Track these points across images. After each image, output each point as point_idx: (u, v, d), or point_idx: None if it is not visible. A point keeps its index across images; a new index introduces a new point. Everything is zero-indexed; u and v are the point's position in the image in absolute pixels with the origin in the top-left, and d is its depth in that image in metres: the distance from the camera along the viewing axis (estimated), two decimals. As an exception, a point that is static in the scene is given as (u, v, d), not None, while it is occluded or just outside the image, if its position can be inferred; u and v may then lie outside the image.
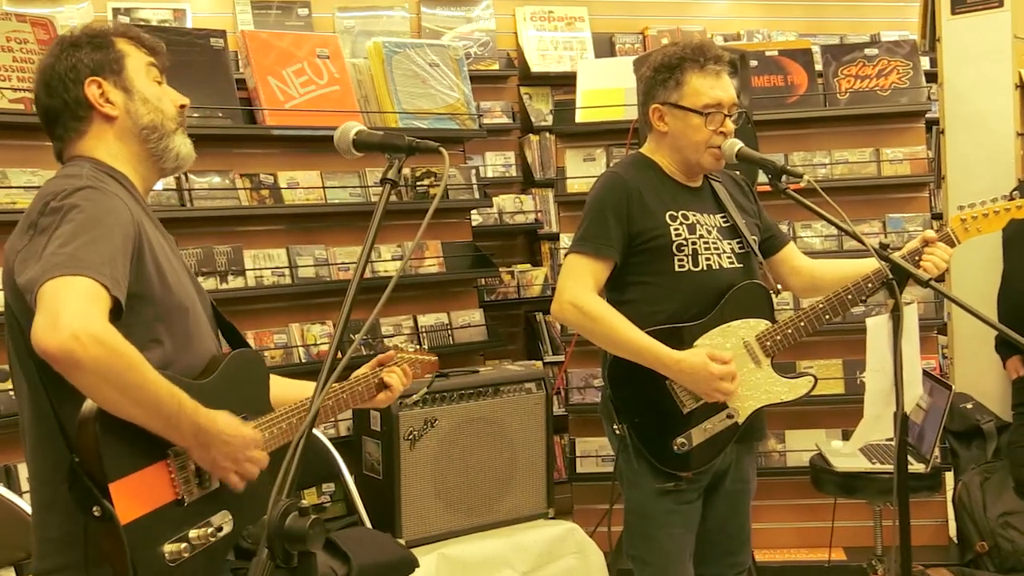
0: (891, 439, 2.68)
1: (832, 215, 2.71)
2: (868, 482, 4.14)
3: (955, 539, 4.63)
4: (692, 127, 2.94)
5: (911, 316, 2.64)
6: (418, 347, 2.90)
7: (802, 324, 2.94)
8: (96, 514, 1.91)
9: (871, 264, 2.87)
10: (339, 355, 1.76)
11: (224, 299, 4.26)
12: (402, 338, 4.75)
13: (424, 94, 4.92)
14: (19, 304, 2.02)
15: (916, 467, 4.04)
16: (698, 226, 2.96)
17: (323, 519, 1.63)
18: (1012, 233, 4.16)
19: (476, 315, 5.08)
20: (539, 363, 5.82)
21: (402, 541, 4.04)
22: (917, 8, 5.97)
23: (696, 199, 3.03)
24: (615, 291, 3.02)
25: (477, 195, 5.20)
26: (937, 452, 4.20)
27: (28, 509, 3.00)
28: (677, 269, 2.93)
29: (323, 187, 4.65)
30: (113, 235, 1.97)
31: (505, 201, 6.38)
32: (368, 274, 4.69)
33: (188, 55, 4.40)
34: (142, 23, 5.76)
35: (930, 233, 2.97)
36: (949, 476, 4.66)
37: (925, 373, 3.97)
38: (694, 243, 2.94)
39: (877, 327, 2.66)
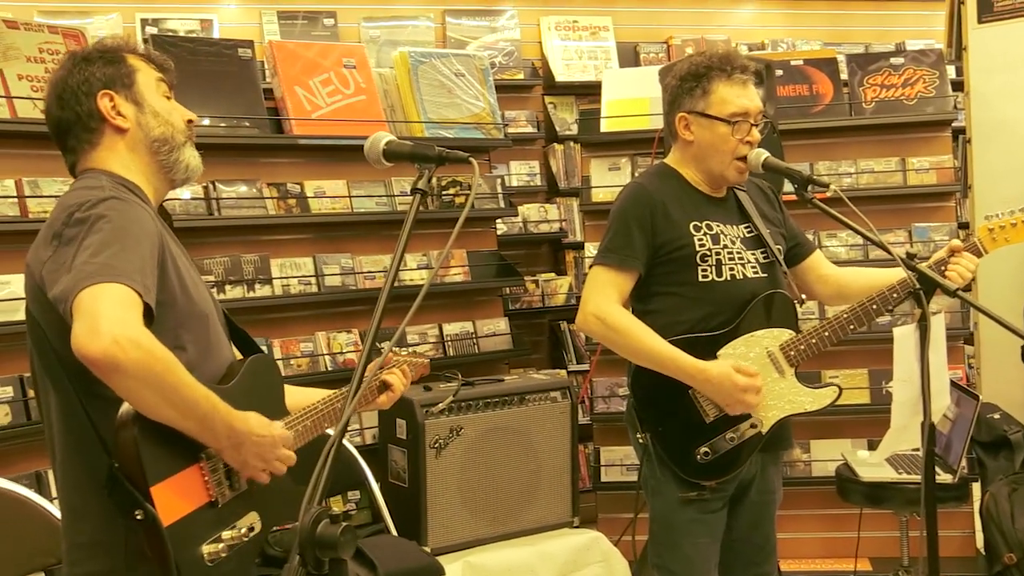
0: (918, 449, 2.68)
1: (858, 224, 2.70)
2: (895, 492, 4.12)
3: (982, 550, 4.60)
4: (719, 136, 2.94)
5: (938, 326, 2.63)
6: (411, 352, 2.94)
7: (826, 334, 2.93)
8: (139, 518, 1.94)
9: (898, 273, 2.85)
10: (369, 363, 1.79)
11: (251, 308, 4.30)
12: (427, 347, 4.76)
13: (450, 104, 4.94)
14: (46, 315, 2.05)
15: (943, 477, 4.02)
16: (722, 236, 2.97)
17: (353, 526, 1.65)
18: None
19: (501, 324, 5.09)
20: (563, 372, 5.84)
21: (428, 549, 4.04)
22: (943, 17, 5.94)
23: (720, 209, 3.04)
24: (640, 302, 3.03)
25: (502, 204, 5.21)
26: (964, 462, 4.18)
27: (58, 514, 3.03)
28: (701, 279, 2.93)
29: (350, 196, 4.67)
30: (141, 244, 2.02)
31: (530, 210, 6.39)
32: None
33: (216, 65, 4.44)
34: (170, 33, 5.82)
35: (956, 242, 2.96)
36: (976, 487, 4.63)
37: (952, 383, 3.95)
38: (718, 253, 2.94)
39: (904, 337, 2.65)
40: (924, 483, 2.54)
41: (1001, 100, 4.85)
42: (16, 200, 3.72)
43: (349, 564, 1.74)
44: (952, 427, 4.17)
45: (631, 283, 2.97)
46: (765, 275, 3.00)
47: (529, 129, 6.67)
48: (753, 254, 3.00)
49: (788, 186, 2.94)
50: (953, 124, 5.18)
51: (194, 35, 5.96)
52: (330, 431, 2.45)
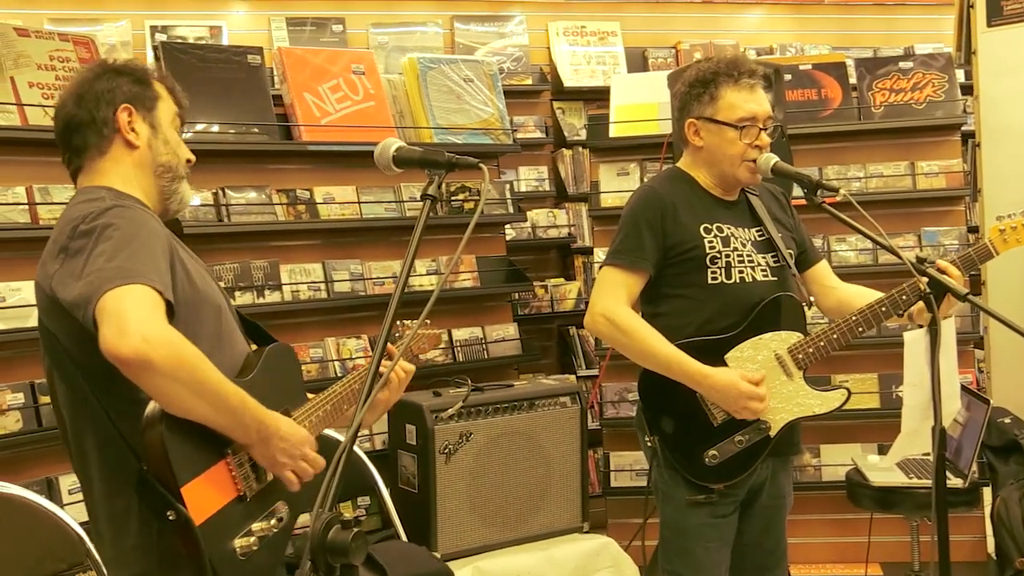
0: (928, 454, 2.67)
1: (868, 229, 2.70)
2: (905, 497, 4.11)
3: (993, 555, 4.59)
4: (727, 141, 2.95)
5: (948, 330, 2.63)
6: (423, 321, 2.92)
7: (835, 336, 2.93)
8: (171, 518, 1.97)
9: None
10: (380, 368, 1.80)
11: (260, 313, 4.30)
12: (437, 352, 4.77)
13: (459, 109, 4.95)
14: (61, 324, 2.08)
15: (954, 482, 4.02)
16: (732, 239, 2.97)
17: (364, 532, 1.66)
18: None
19: (510, 329, 5.09)
20: (572, 377, 5.84)
21: (438, 554, 4.05)
22: (951, 21, 5.94)
23: (731, 213, 3.04)
24: (649, 304, 3.03)
25: (511, 209, 5.22)
26: (975, 467, 4.17)
27: (68, 520, 3.04)
28: (710, 281, 2.94)
29: (359, 202, 4.68)
30: (152, 244, 2.06)
31: (538, 215, 6.40)
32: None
33: (225, 72, 4.45)
34: (179, 40, 5.83)
35: (942, 262, 2.90)
36: (987, 491, 4.62)
37: (962, 387, 3.94)
38: (727, 256, 2.94)
39: (914, 341, 2.65)
40: (935, 488, 2.53)
41: (1010, 104, 4.85)
42: (27, 207, 3.74)
43: (360, 570, 1.75)
44: (963, 431, 4.17)
45: (641, 284, 2.97)
46: (775, 278, 3.00)
47: (538, 134, 6.68)
48: (764, 257, 3.00)
49: (797, 191, 2.93)
50: (962, 128, 5.17)
51: (203, 42, 5.98)
52: (334, 433, 2.47)
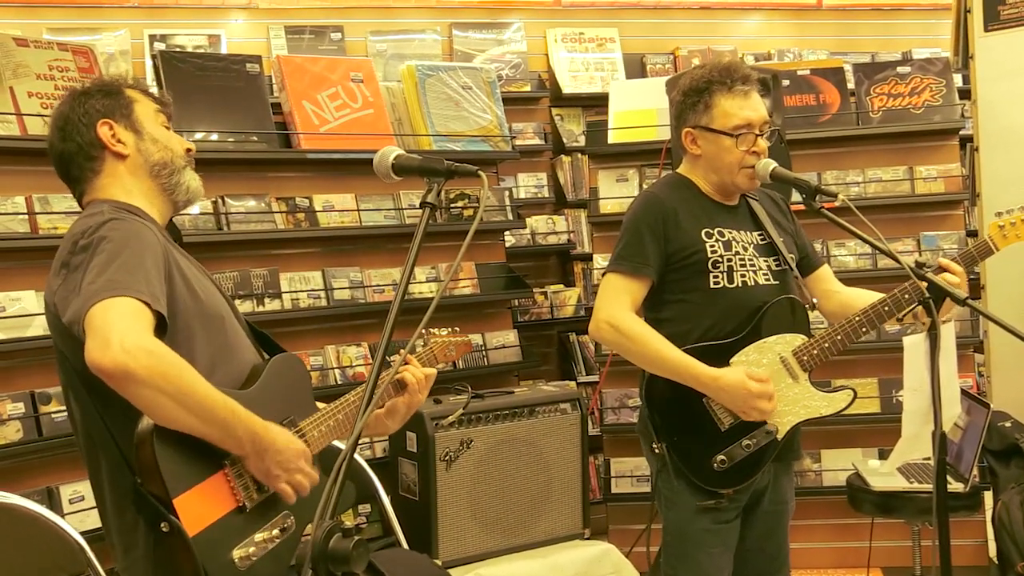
0: (929, 458, 2.67)
1: (867, 234, 2.70)
2: (906, 501, 4.11)
3: (995, 559, 4.59)
4: (724, 149, 2.95)
5: (948, 334, 2.63)
6: (452, 329, 2.91)
7: (838, 338, 2.93)
8: (164, 530, 1.98)
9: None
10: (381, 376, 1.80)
11: (260, 322, 4.25)
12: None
13: (457, 116, 4.95)
14: (66, 341, 2.11)
15: (954, 486, 4.02)
16: (734, 243, 2.97)
17: (366, 540, 1.66)
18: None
19: (510, 336, 5.09)
20: (573, 383, 5.84)
21: (439, 562, 4.04)
22: (948, 25, 5.95)
23: (732, 217, 3.05)
24: (652, 310, 3.04)
25: (510, 216, 5.22)
26: (975, 471, 4.17)
27: (69, 529, 3.04)
28: (712, 286, 2.94)
29: (358, 210, 4.68)
30: (143, 255, 2.07)
31: (538, 222, 6.40)
32: (403, 296, 4.72)
33: (224, 80, 4.46)
34: (178, 49, 5.84)
35: (943, 260, 2.93)
36: (988, 495, 4.62)
37: (963, 391, 3.94)
38: (729, 260, 2.95)
39: (914, 346, 2.65)
40: (936, 492, 2.52)
41: (1008, 108, 4.85)
42: (26, 217, 3.74)
43: (361, 578, 1.75)
44: (963, 436, 4.16)
45: (644, 290, 2.98)
46: (777, 282, 3.01)
47: (536, 141, 6.69)
48: (765, 261, 3.01)
49: (796, 196, 2.93)
50: (960, 132, 5.17)
51: (202, 50, 5.99)
52: (338, 444, 2.47)
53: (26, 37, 3.85)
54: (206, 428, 2.02)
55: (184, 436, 2.01)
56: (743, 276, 2.96)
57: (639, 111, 5.04)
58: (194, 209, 4.23)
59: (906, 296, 2.89)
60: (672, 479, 2.96)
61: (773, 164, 2.92)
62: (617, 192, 5.08)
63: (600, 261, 4.94)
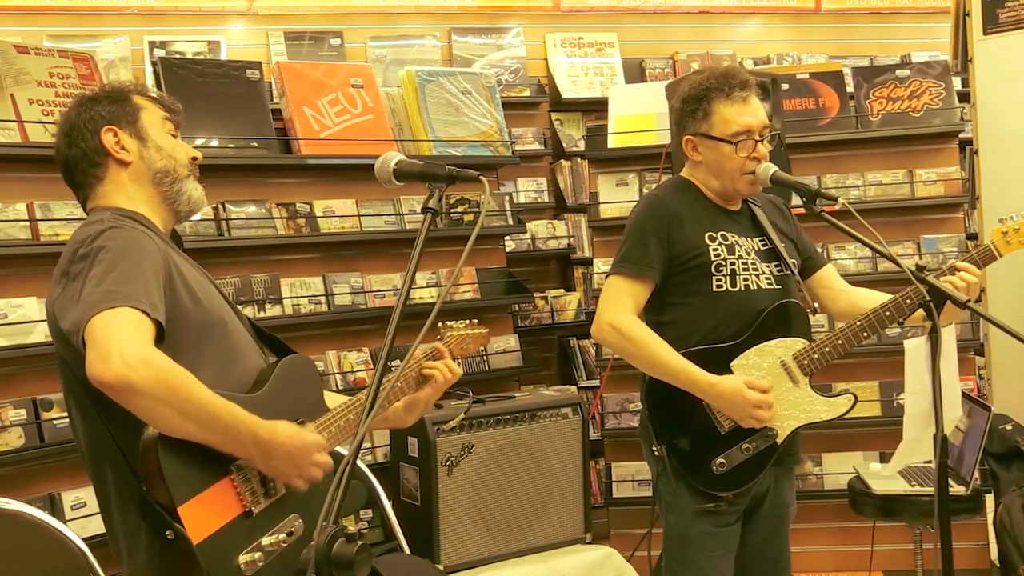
0: (930, 461, 2.67)
1: (867, 237, 2.71)
2: (908, 504, 4.11)
3: (996, 562, 4.58)
4: (724, 155, 2.96)
5: (949, 337, 2.63)
6: (469, 321, 2.92)
7: (839, 342, 2.93)
8: (170, 537, 1.98)
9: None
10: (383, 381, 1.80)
11: (262, 327, 4.30)
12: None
13: (457, 122, 4.96)
14: (67, 349, 2.11)
15: (956, 489, 4.02)
16: (737, 247, 2.98)
17: (369, 544, 1.66)
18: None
19: (511, 341, 5.09)
20: (574, 388, 5.84)
21: (441, 567, 4.04)
22: (947, 29, 5.96)
23: (735, 222, 3.06)
24: (654, 312, 3.04)
25: (510, 221, 5.22)
26: (977, 474, 4.17)
27: (71, 536, 3.04)
28: (715, 289, 2.95)
29: (358, 215, 4.68)
30: (142, 264, 2.08)
31: (538, 227, 6.40)
32: (403, 301, 4.72)
33: (224, 87, 4.46)
34: (178, 55, 5.85)
35: (959, 263, 2.94)
36: (989, 498, 4.61)
37: (964, 394, 3.94)
38: (732, 264, 2.96)
39: (915, 349, 2.65)
40: (937, 495, 2.53)
41: (1007, 111, 4.86)
42: (28, 223, 3.74)
43: (364, 583, 1.75)
44: (964, 439, 4.17)
45: (647, 293, 2.98)
46: (779, 287, 3.01)
47: (536, 146, 6.69)
48: (768, 266, 3.01)
49: (796, 199, 2.94)
50: (960, 135, 5.18)
51: (202, 57, 5.99)
52: (341, 449, 2.48)
53: (27, 44, 3.86)
54: (209, 435, 2.02)
55: (189, 443, 2.01)
56: (746, 280, 2.96)
57: (638, 115, 5.04)
58: (195, 216, 4.23)
59: (908, 301, 2.89)
60: (672, 482, 2.96)
61: (774, 168, 2.93)
62: (617, 196, 5.09)
63: (600, 265, 4.94)
